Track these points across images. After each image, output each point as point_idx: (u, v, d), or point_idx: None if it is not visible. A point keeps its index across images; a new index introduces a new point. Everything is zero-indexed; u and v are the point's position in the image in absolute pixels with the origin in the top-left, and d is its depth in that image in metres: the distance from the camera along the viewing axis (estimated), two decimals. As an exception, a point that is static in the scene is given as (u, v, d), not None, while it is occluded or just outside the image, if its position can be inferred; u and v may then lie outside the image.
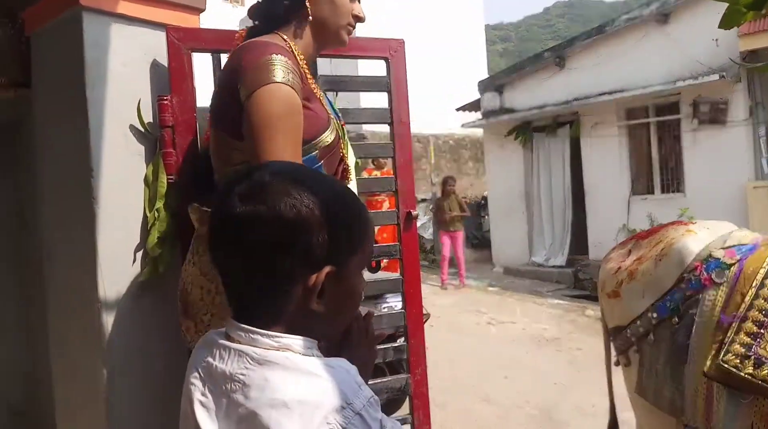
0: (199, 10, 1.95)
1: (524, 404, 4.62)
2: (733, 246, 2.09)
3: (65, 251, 1.88)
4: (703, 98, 8.84)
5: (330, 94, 1.83)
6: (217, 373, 0.83)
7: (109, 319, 1.72)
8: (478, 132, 13.57)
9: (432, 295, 8.27)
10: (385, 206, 7.24)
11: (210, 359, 0.85)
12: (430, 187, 13.29)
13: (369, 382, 2.31)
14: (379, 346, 2.23)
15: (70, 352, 1.89)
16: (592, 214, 10.35)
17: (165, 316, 1.73)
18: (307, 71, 1.45)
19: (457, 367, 5.27)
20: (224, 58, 1.64)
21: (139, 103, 1.79)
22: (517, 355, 5.98)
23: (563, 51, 10.43)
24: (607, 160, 10.08)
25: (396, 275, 2.33)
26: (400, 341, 2.31)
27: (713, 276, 2.03)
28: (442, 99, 13.95)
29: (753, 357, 1.82)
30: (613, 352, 2.45)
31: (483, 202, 13.72)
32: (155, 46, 1.83)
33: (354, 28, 1.53)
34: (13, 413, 2.26)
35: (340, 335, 0.99)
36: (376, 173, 7.69)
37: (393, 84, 2.16)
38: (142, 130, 1.80)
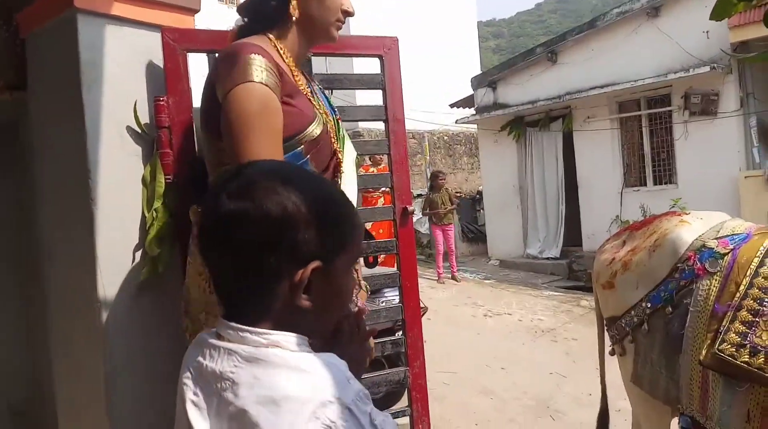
0: (193, 11, 1.96)
1: (521, 395, 4.65)
2: (726, 236, 2.11)
3: (65, 251, 1.89)
4: (695, 90, 8.89)
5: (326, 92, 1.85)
6: (208, 372, 0.84)
7: (109, 319, 1.73)
8: (472, 127, 13.60)
9: (429, 288, 8.30)
10: (380, 204, 7.27)
11: (201, 359, 0.86)
12: (426, 183, 13.30)
13: (367, 375, 2.32)
14: (377, 340, 2.26)
15: (71, 352, 1.90)
16: (586, 207, 10.40)
17: (165, 315, 1.75)
18: (293, 68, 1.46)
19: (455, 359, 5.30)
20: (219, 58, 1.65)
21: (135, 104, 1.80)
22: (514, 347, 6.02)
23: (555, 46, 10.46)
24: (599, 152, 10.12)
25: (393, 270, 2.35)
26: (398, 335, 2.33)
27: (707, 266, 2.06)
28: (436, 95, 13.98)
29: (749, 345, 1.85)
30: (608, 342, 2.47)
31: (478, 196, 13.77)
32: (150, 47, 1.84)
33: (343, 23, 1.54)
34: (13, 413, 2.27)
35: (332, 332, 1.00)
36: (373, 170, 7.72)
37: (387, 81, 2.17)
38: (139, 130, 1.81)
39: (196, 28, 1.97)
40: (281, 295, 0.85)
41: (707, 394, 1.96)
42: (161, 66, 1.84)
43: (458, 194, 13.55)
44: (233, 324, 0.86)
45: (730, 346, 1.87)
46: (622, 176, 10.05)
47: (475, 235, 13.22)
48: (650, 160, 9.82)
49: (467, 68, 15.61)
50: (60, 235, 1.91)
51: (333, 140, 1.49)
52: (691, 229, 2.20)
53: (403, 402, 2.64)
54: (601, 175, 10.11)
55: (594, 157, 10.19)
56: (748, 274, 1.96)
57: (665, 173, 9.69)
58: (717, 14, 1.70)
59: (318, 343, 0.93)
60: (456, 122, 12.72)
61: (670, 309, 2.11)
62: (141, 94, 1.83)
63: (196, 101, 1.80)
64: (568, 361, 5.59)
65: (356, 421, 0.79)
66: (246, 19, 1.54)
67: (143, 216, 1.78)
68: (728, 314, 1.93)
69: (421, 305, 2.44)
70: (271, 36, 1.47)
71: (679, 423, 2.10)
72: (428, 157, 14.30)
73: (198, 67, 1.92)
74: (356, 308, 1.20)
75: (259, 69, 1.32)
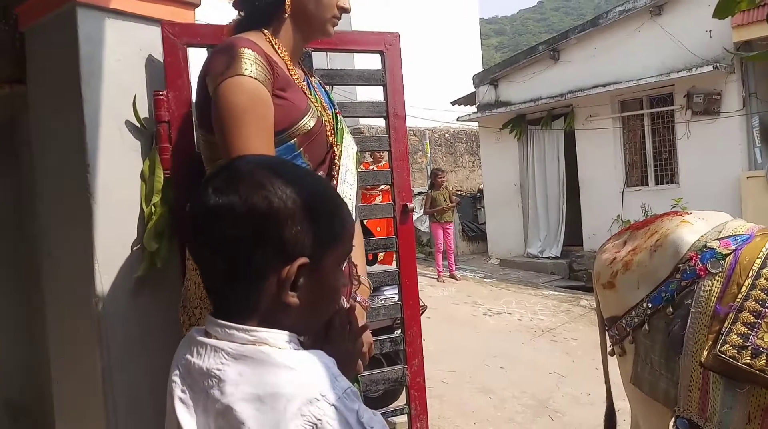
0: (194, 5, 1.95)
1: (520, 394, 4.64)
2: (729, 236, 2.10)
3: (63, 246, 1.89)
4: (697, 89, 8.87)
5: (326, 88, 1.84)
6: (195, 369, 0.84)
7: (107, 315, 1.72)
8: (474, 125, 13.58)
9: (428, 286, 8.29)
10: (377, 201, 7.26)
11: (189, 356, 0.86)
12: (426, 181, 13.29)
13: (365, 373, 2.31)
14: (376, 338, 2.25)
15: (69, 348, 1.89)
16: (587, 206, 10.39)
17: (163, 310, 1.74)
18: (289, 63, 1.46)
19: (454, 358, 5.29)
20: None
21: (134, 99, 1.79)
22: (513, 346, 6.01)
23: (557, 44, 10.44)
24: (601, 152, 10.11)
25: (392, 267, 2.34)
26: (397, 332, 2.32)
27: (708, 266, 2.05)
28: (437, 93, 13.96)
29: (750, 347, 1.84)
30: (609, 342, 2.46)
31: (479, 194, 13.76)
32: (150, 41, 1.83)
33: (339, 19, 1.54)
34: (11, 409, 2.27)
35: (323, 329, 0.99)
36: (373, 167, 7.71)
37: (388, 77, 2.16)
38: (138, 125, 1.80)
39: (197, 22, 1.96)
40: (268, 291, 0.84)
41: (707, 395, 1.95)
42: (161, 60, 1.83)
43: (459, 192, 13.56)
44: (220, 321, 0.85)
45: (731, 347, 1.86)
46: (623, 176, 10.03)
47: (475, 233, 13.21)
48: (652, 159, 9.80)
49: (469, 65, 15.58)
50: (58, 230, 1.90)
51: (329, 134, 1.47)
52: (693, 229, 2.18)
53: (402, 400, 2.63)
54: (602, 175, 10.10)
55: (595, 157, 10.17)
56: (750, 275, 1.95)
57: (667, 173, 9.68)
58: (720, 12, 1.69)
59: (309, 341, 0.92)
60: (457, 120, 12.71)
61: (671, 309, 2.10)
62: (140, 88, 1.82)
63: (197, 96, 1.79)
64: (567, 360, 5.58)
65: (342, 419, 0.78)
66: (242, 14, 1.54)
67: (142, 211, 1.77)
68: (730, 315, 1.92)
69: (421, 303, 2.43)
70: (266, 31, 1.47)
71: (674, 425, 2.09)
72: (429, 155, 14.28)
73: (198, 61, 1.90)
74: (349, 304, 1.19)
75: (249, 62, 1.32)
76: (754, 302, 1.90)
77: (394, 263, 2.31)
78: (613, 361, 2.52)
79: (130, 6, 1.80)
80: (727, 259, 2.03)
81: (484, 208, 12.70)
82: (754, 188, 8.39)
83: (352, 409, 0.80)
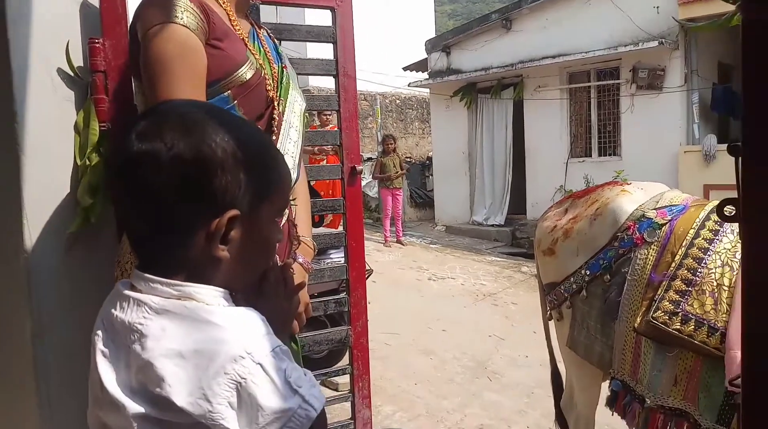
0: (133, -53, 1.83)
1: (461, 356, 4.76)
2: (665, 206, 2.17)
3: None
4: (642, 64, 9.08)
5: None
6: (118, 323, 0.80)
7: (37, 272, 1.64)
8: (425, 92, 13.54)
9: (375, 251, 8.34)
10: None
11: (113, 310, 0.82)
12: (377, 147, 13.24)
13: (308, 334, 2.30)
14: (320, 299, 2.24)
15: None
16: (532, 176, 10.59)
17: (98, 267, 1.67)
18: (231, 13, 1.40)
19: (398, 321, 5.37)
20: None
21: (67, 45, 1.68)
22: (455, 310, 6.14)
23: (510, 13, 10.45)
24: (548, 122, 10.27)
25: (339, 230, 2.32)
26: (342, 295, 2.32)
27: (645, 235, 2.11)
28: (389, 57, 13.80)
29: (681, 313, 1.92)
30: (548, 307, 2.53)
31: (428, 162, 13.82)
32: (85, -17, 1.71)
33: None
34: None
35: (256, 285, 0.94)
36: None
37: (339, 34, 2.10)
38: (72, 74, 1.70)
39: (136, -35, 1.85)
40: (197, 244, 0.80)
41: (639, 359, 2.03)
42: (97, 5, 1.72)
43: (408, 159, 13.57)
44: (145, 274, 0.81)
45: (663, 314, 1.95)
46: (568, 146, 10.25)
47: (423, 200, 13.31)
48: (596, 131, 10.04)
49: (422, 31, 15.46)
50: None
51: (269, 88, 1.42)
52: (632, 198, 2.24)
53: (345, 361, 2.65)
54: (548, 145, 10.28)
55: (542, 127, 10.33)
56: (683, 244, 2.03)
57: (610, 145, 9.94)
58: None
59: (241, 297, 0.88)
60: (409, 86, 12.64)
61: (609, 277, 2.17)
62: (74, 34, 1.71)
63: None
64: (507, 324, 5.75)
65: (268, 378, 0.75)
66: None
67: (75, 165, 1.68)
68: (663, 283, 2.00)
69: (367, 267, 2.43)
70: None
71: (609, 386, 2.18)
72: (380, 121, 14.20)
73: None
74: (284, 262, 1.16)
75: (180, 10, 1.26)
76: (686, 271, 1.98)
77: (341, 227, 2.29)
78: (552, 326, 2.59)
79: (62, -56, 1.67)
80: (663, 228, 2.10)
81: (432, 175, 12.77)
82: (690, 162, 8.72)
83: (280, 368, 0.77)
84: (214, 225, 0.80)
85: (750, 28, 0.61)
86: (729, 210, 0.79)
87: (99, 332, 0.82)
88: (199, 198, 0.78)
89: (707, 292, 1.92)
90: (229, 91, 1.34)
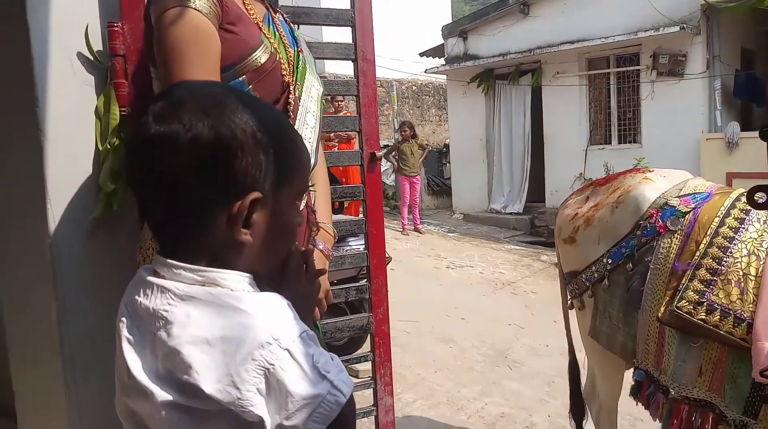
0: (152, -70, 1.82)
1: (480, 344, 4.75)
2: (689, 194, 2.13)
3: (11, 184, 1.79)
4: (663, 50, 8.92)
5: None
6: (143, 310, 0.79)
7: (61, 257, 1.65)
8: (441, 79, 13.43)
9: (393, 239, 8.33)
10: (335, 153, 7.15)
11: (137, 297, 0.81)
12: (393, 134, 13.20)
13: (330, 320, 2.30)
14: (341, 286, 2.24)
15: (20, 289, 1.83)
16: (550, 163, 10.49)
17: (120, 253, 1.68)
18: None
19: (417, 309, 5.36)
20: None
21: (86, 29, 1.67)
22: (474, 298, 6.12)
23: (528, -3, 10.32)
24: (567, 109, 10.15)
25: (359, 217, 2.31)
26: (363, 282, 2.32)
27: (668, 224, 2.07)
28: (405, 43, 13.72)
29: (706, 303, 1.88)
30: (568, 296, 2.51)
31: (445, 149, 13.75)
32: (104, -33, 1.71)
33: None
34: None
35: (278, 270, 0.93)
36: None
37: (357, 17, 2.08)
38: (91, 58, 1.69)
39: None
40: (218, 229, 0.79)
41: (662, 349, 2.00)
42: (116, -11, 1.71)
43: (426, 146, 13.52)
44: (168, 260, 0.80)
45: (687, 303, 1.91)
46: (587, 133, 10.13)
47: (440, 188, 13.26)
48: (616, 118, 9.91)
49: (438, 16, 15.33)
50: (5, 167, 1.80)
51: (284, 72, 1.40)
52: (654, 186, 2.20)
53: (366, 348, 2.65)
54: (567, 132, 10.17)
55: (561, 114, 10.22)
56: (708, 233, 1.99)
57: (630, 132, 9.80)
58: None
59: (264, 282, 0.87)
60: (425, 72, 12.55)
61: (631, 265, 2.14)
62: (93, 18, 1.70)
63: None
64: (526, 313, 5.72)
65: (296, 364, 0.74)
66: None
67: (97, 150, 1.69)
68: (687, 273, 1.96)
69: (386, 255, 2.41)
70: None
71: (633, 376, 2.15)
72: (396, 107, 14.13)
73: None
74: (305, 248, 1.15)
75: None
76: (711, 260, 1.94)
77: (361, 213, 2.28)
78: (572, 315, 2.57)
79: (82, -73, 1.66)
80: (687, 217, 2.05)
81: (449, 163, 12.71)
82: (712, 150, 8.58)
83: (308, 353, 0.76)
84: (236, 208, 0.78)
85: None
86: (760, 196, 0.76)
87: (123, 319, 0.82)
88: (219, 180, 0.77)
89: (733, 281, 1.88)
90: (243, 76, 1.32)
